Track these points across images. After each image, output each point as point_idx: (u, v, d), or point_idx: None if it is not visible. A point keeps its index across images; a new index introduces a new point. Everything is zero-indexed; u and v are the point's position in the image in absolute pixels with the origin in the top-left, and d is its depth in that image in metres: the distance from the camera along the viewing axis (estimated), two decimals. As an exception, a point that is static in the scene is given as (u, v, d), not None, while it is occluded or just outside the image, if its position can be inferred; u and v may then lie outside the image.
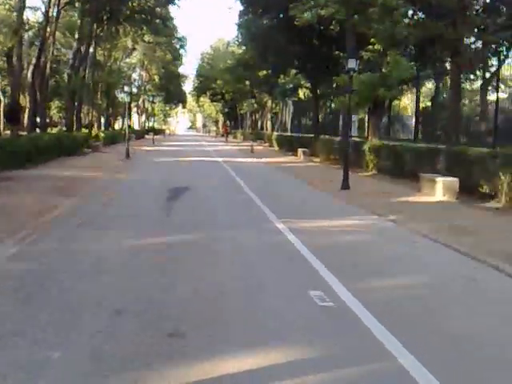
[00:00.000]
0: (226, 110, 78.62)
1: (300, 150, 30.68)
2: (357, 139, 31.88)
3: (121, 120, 64.58)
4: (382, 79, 20.65)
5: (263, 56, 35.08)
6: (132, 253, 7.01)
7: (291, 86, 49.69)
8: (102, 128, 43.78)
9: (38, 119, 27.83)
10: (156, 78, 70.58)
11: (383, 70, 21.35)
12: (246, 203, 11.89)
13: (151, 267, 6.33)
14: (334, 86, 38.54)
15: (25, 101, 32.08)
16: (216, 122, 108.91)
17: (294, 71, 40.86)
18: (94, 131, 35.87)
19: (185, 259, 6.78)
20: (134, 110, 73.73)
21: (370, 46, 21.76)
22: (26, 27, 39.10)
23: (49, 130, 40.00)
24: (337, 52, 33.29)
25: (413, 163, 18.65)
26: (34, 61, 29.34)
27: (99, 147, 28.48)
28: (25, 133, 24.21)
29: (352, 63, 14.41)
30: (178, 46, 67.23)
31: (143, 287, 5.51)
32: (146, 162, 24.22)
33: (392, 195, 13.98)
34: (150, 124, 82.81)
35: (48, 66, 28.39)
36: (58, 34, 49.48)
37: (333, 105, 31.93)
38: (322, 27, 29.71)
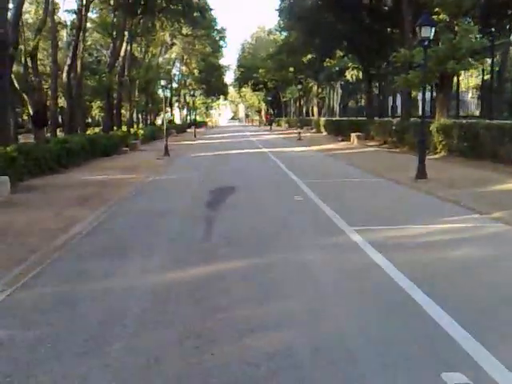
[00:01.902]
0: (269, 98, 76.24)
1: (353, 135, 28.08)
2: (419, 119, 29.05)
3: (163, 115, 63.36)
4: (451, 51, 17.85)
5: (310, 38, 32.51)
6: (156, 299, 4.88)
7: (337, 68, 46.94)
8: (141, 125, 42.37)
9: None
10: (196, 71, 68.92)
11: (451, 41, 18.48)
12: (307, 207, 9.60)
13: (183, 326, 4.18)
14: (385, 65, 35.71)
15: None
16: (259, 112, 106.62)
17: (340, 53, 38.17)
18: (134, 129, 34.36)
19: (233, 308, 4.59)
20: (176, 104, 72.54)
21: (434, 16, 18.94)
22: (59, 27, 38.17)
23: (91, 130, 39.03)
24: (389, 29, 30.50)
25: (493, 143, 15.92)
26: (68, 61, 28.06)
27: (137, 145, 26.77)
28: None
29: (426, 31, 11.66)
30: (217, 38, 65.52)
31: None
32: (186, 158, 22.25)
33: (482, 183, 11.42)
34: (192, 117, 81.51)
35: (79, 64, 26.79)
36: (96, 34, 48.75)
37: (393, 84, 29.09)
38: (373, 1, 27.06)
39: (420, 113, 36.87)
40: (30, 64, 24.90)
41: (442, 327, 4.01)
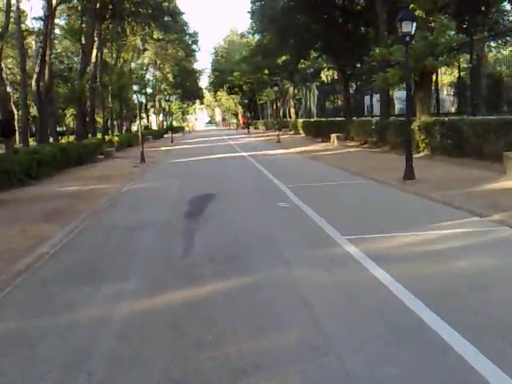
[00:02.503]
0: (246, 101, 75.71)
1: (333, 136, 27.63)
2: (401, 118, 28.76)
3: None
4: (429, 48, 17.48)
5: (283, 39, 32.00)
6: (129, 334, 4.20)
7: (312, 70, 46.59)
8: (116, 132, 41.36)
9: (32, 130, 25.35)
10: (170, 76, 68.02)
11: (427, 38, 18.13)
12: (293, 215, 8.98)
13: (161, 369, 3.53)
14: (359, 64, 35.36)
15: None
16: (235, 115, 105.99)
17: (314, 54, 37.79)
18: (109, 136, 33.43)
19: (220, 344, 3.94)
20: (152, 110, 71.54)
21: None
22: (26, 35, 36.97)
23: (65, 138, 37.93)
24: (363, 28, 30.24)
25: (478, 139, 15.55)
26: (37, 69, 27.05)
27: (112, 153, 25.89)
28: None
29: (407, 26, 11.08)
30: (190, 42, 64.85)
31: None
32: (164, 164, 21.49)
33: (473, 182, 10.93)
34: (170, 123, 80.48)
35: (47, 72, 25.79)
36: (66, 42, 47.54)
37: (370, 84, 28.78)
38: (345, 1, 26.71)
39: (397, 111, 36.85)
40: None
41: (469, 363, 3.41)
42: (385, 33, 23.93)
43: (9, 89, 51.05)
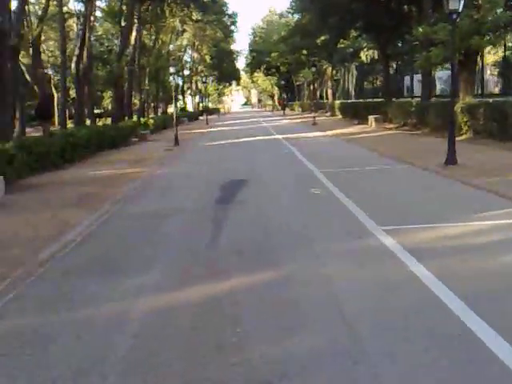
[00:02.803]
0: (282, 82, 74.83)
1: (371, 118, 26.86)
2: (444, 99, 27.66)
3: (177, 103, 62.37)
4: (476, 26, 16.56)
5: (323, 18, 31.10)
6: (147, 334, 3.95)
7: (351, 50, 45.47)
8: (152, 114, 41.42)
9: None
10: (207, 58, 67.60)
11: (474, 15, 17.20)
12: (327, 203, 8.58)
13: (180, 376, 3.26)
14: (401, 44, 34.10)
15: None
16: (271, 96, 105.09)
17: (354, 34, 36.73)
18: (145, 118, 33.46)
19: (245, 347, 3.63)
20: (188, 92, 71.49)
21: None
22: (67, 17, 37.18)
23: (103, 120, 38.17)
24: (406, 7, 29.05)
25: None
26: (77, 51, 27.14)
27: (147, 135, 25.87)
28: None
29: (455, 3, 10.37)
30: (228, 23, 64.14)
31: None
32: (197, 147, 21.28)
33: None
34: (206, 104, 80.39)
35: (85, 54, 25.80)
36: (107, 24, 47.64)
37: (411, 64, 27.82)
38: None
39: (438, 92, 35.30)
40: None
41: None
42: (429, 10, 22.90)
43: (50, 71, 51.93)
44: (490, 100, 18.56)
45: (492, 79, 48.85)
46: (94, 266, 5.82)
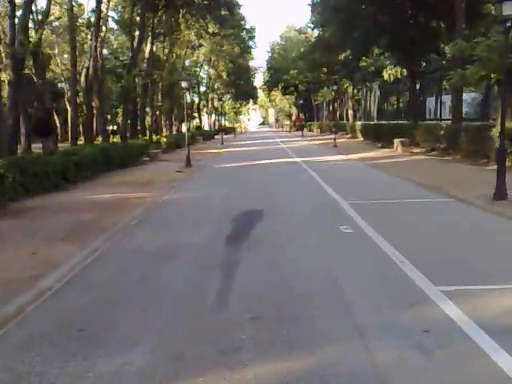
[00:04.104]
0: (301, 101, 73.77)
1: (397, 141, 25.33)
2: (473, 123, 26.22)
3: (192, 121, 61.51)
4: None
5: (347, 32, 29.78)
6: None
7: (373, 68, 44.19)
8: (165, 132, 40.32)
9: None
10: (224, 74, 66.69)
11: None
12: (362, 247, 7.06)
13: None
14: (425, 63, 32.68)
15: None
16: (289, 116, 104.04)
17: (377, 51, 35.44)
18: (157, 137, 32.33)
19: None
20: (204, 109, 70.71)
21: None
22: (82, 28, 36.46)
23: (117, 138, 37.13)
24: (435, 22, 27.77)
25: None
26: (87, 64, 26.28)
27: (158, 155, 24.65)
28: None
29: (509, 8, 8.92)
30: (246, 38, 63.16)
31: None
32: (210, 169, 19.94)
33: None
34: (222, 123, 79.50)
35: (91, 66, 24.78)
36: (122, 37, 46.98)
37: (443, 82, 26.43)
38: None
39: (464, 115, 33.64)
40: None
41: None
42: (462, 25, 21.52)
43: (64, 85, 51.28)
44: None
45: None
46: (64, 333, 4.42)
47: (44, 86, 20.85)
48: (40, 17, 23.94)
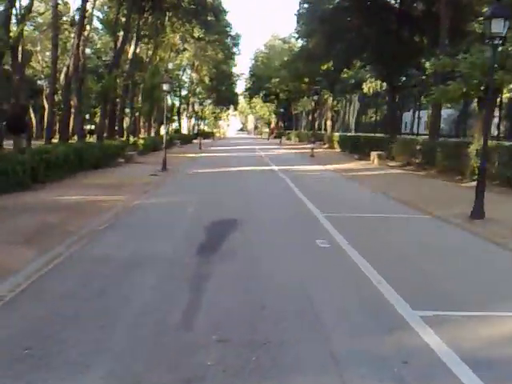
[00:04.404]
0: (281, 110, 73.84)
1: (374, 154, 25.32)
2: (450, 139, 26.45)
3: (171, 124, 60.86)
4: (502, 59, 15.15)
5: (331, 42, 29.75)
6: None
7: (353, 81, 44.39)
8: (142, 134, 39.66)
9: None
10: (206, 79, 66.26)
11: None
12: (338, 263, 6.81)
13: None
14: (404, 77, 32.90)
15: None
16: (268, 124, 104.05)
17: (359, 64, 35.60)
18: (134, 138, 31.71)
19: None
20: (184, 113, 70.10)
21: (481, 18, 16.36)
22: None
23: (94, 137, 36.31)
24: (418, 37, 27.96)
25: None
26: (67, 62, 25.65)
27: (134, 157, 24.11)
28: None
29: (498, 26, 8.77)
30: (230, 45, 63.07)
31: None
32: (186, 174, 19.54)
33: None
34: (201, 127, 78.90)
35: (72, 65, 24.19)
36: (107, 37, 46.24)
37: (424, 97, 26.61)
38: (403, 4, 24.45)
39: (444, 132, 33.94)
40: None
41: None
42: (446, 41, 21.64)
43: (43, 82, 50.16)
44: (506, 143, 17.18)
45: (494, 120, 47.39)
46: (8, 351, 4.00)
47: (21, 82, 20.14)
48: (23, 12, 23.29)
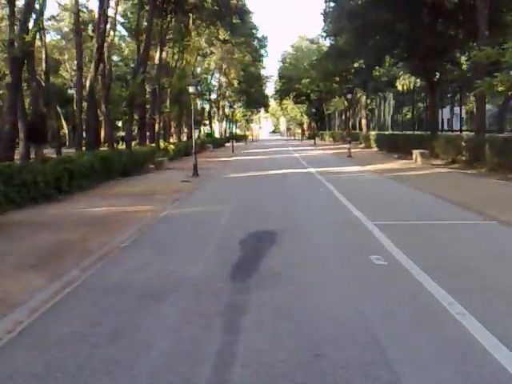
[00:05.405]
0: (313, 110, 72.49)
1: (416, 152, 23.83)
2: (495, 134, 24.75)
3: (202, 128, 60.39)
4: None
5: (362, 39, 28.35)
6: None
7: (386, 78, 42.80)
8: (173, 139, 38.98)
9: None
10: (235, 82, 65.55)
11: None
12: (402, 287, 5.58)
13: None
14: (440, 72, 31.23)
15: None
16: (300, 125, 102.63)
17: (391, 61, 34.06)
18: (166, 144, 31.01)
19: None
20: (215, 116, 69.62)
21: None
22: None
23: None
24: (453, 30, 26.37)
25: None
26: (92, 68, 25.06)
27: (164, 163, 23.29)
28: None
29: None
30: (257, 47, 62.40)
31: None
32: (218, 180, 18.52)
33: None
34: (233, 130, 78.29)
35: (93, 69, 23.58)
36: (134, 45, 45.97)
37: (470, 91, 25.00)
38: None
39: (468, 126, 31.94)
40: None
41: None
42: (485, 32, 20.10)
43: (73, 91, 50.23)
44: None
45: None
46: None
47: (39, 89, 19.55)
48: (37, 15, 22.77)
